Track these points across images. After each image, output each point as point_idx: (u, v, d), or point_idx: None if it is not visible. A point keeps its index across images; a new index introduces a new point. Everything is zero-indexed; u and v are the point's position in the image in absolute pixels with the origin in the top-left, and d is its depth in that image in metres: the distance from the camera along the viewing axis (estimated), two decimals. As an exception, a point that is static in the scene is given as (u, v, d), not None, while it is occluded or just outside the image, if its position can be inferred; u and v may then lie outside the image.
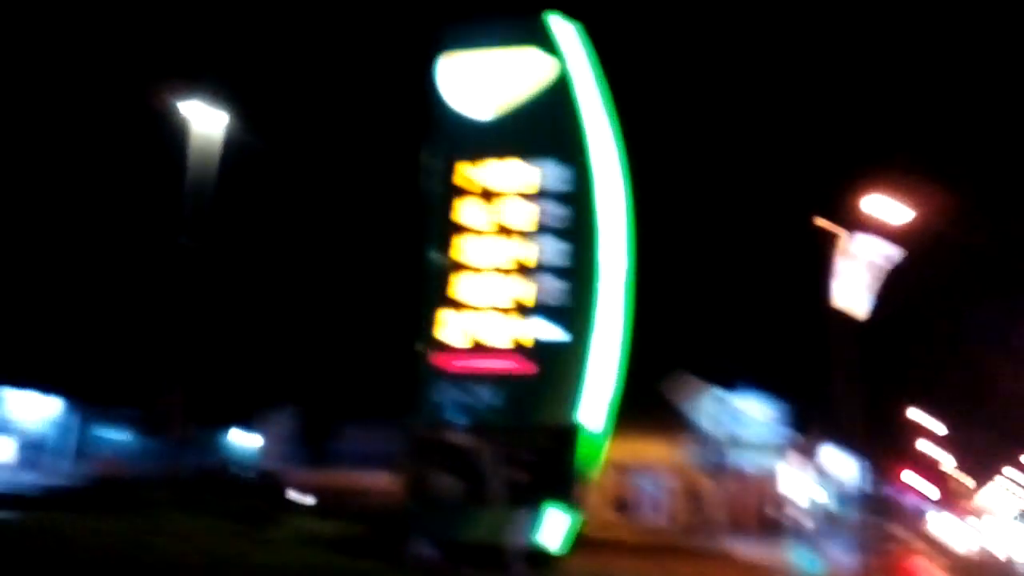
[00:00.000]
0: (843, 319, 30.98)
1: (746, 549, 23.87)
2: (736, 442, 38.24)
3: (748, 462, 37.89)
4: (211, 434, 34.46)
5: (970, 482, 67.93)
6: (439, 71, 13.24)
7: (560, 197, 12.00)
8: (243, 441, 45.78)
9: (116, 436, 27.20)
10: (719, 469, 27.66)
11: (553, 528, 10.89)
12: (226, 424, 31.48)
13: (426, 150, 13.05)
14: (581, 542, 21.55)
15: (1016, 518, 72.13)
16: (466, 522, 11.21)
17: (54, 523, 12.71)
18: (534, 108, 12.51)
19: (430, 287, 12.28)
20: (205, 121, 27.24)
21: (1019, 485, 62.50)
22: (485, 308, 11.89)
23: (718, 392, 41.60)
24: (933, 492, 54.97)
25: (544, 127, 12.32)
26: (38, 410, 45.64)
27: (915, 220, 26.83)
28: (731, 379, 43.33)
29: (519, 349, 11.62)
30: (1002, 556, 37.77)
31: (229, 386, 42.08)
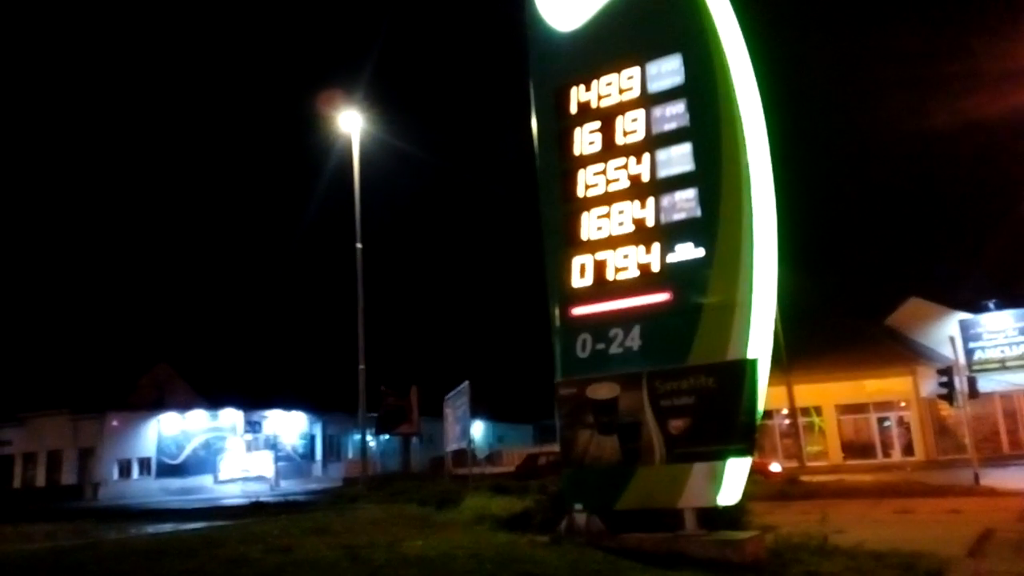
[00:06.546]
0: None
1: (1005, 480, 20.02)
2: (984, 364, 33.13)
3: (1001, 384, 32.70)
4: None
5: None
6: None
7: (678, 93, 9.91)
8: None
9: (362, 439, 28.20)
10: (966, 396, 23.73)
11: (731, 480, 8.88)
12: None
13: (532, 83, 11.43)
14: (806, 491, 18.96)
15: None
16: (626, 485, 9.46)
17: (224, 531, 12.55)
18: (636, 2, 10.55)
19: (552, 234, 10.64)
20: (357, 128, 27.46)
21: None
22: (612, 242, 10.06)
23: (957, 314, 36.42)
24: None
25: (652, 18, 10.29)
26: (289, 425, 49.01)
27: None
28: (971, 297, 37.79)
29: (656, 278, 9.69)
30: None
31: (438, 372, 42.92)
